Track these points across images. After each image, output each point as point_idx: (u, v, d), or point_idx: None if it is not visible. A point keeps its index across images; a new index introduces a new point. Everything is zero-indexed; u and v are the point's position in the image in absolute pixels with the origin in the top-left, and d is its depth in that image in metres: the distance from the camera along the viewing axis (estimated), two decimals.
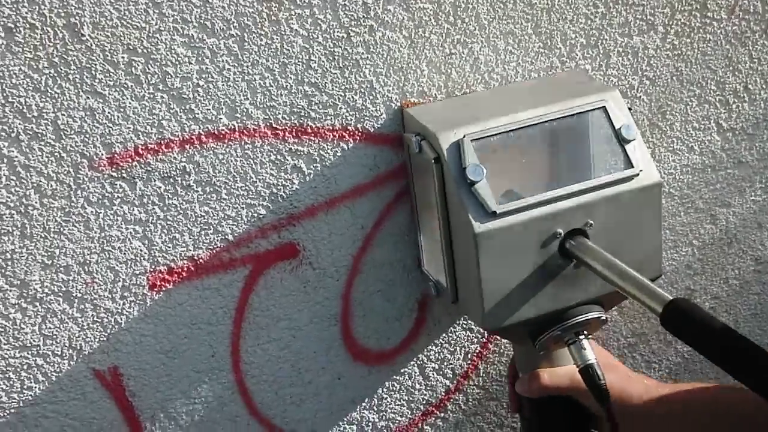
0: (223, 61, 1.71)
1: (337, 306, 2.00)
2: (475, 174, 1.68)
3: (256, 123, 1.78)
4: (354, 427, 2.15)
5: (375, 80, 1.82)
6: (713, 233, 2.26)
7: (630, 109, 1.82)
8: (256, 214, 1.85)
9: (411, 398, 2.17)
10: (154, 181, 1.75)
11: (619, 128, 1.76)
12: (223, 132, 1.77)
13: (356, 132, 1.85)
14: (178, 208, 1.79)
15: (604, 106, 1.77)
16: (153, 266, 1.82)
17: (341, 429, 2.14)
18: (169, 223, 1.79)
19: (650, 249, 1.80)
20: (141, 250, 1.80)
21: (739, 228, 2.29)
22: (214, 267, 1.87)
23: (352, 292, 2.00)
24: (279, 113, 1.78)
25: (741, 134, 2.17)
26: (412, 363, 2.12)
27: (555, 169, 1.80)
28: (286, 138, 1.81)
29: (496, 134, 1.73)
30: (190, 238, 1.82)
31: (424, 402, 2.17)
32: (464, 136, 1.71)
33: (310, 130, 1.82)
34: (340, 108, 1.82)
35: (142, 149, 1.73)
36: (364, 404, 2.13)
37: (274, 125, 1.79)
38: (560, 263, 1.73)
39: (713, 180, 2.20)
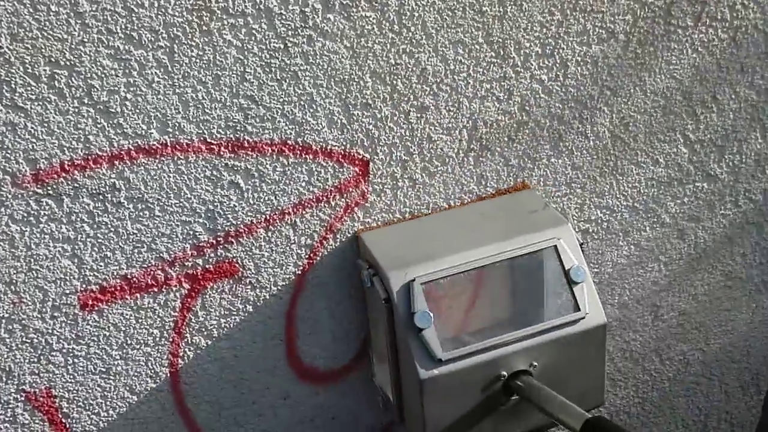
0: (152, 73, 1.63)
1: (281, 325, 1.92)
2: (423, 321, 1.70)
3: (189, 137, 1.70)
4: None
5: (315, 92, 1.73)
6: (681, 249, 2.17)
7: (582, 245, 1.82)
8: (191, 232, 1.77)
9: (359, 420, 2.09)
10: (83, 197, 1.67)
11: (569, 269, 1.77)
12: (154, 147, 1.68)
13: (297, 146, 1.76)
14: (109, 226, 1.71)
15: (556, 245, 1.78)
16: (84, 285, 1.74)
17: None
18: (99, 241, 1.71)
19: (593, 382, 1.86)
20: (70, 269, 1.72)
21: (709, 243, 2.19)
22: (148, 286, 1.79)
23: (297, 311, 1.92)
24: (213, 127, 1.70)
25: (709, 146, 2.08)
26: (361, 382, 2.04)
27: (503, 310, 1.80)
28: (222, 153, 1.73)
29: (446, 276, 1.74)
30: (122, 256, 1.74)
31: (374, 422, 2.09)
32: (414, 280, 1.72)
33: (247, 145, 1.74)
34: (279, 121, 1.73)
35: (68, 165, 1.65)
36: (312, 425, 2.05)
37: (208, 140, 1.71)
38: (503, 400, 1.78)
39: (680, 194, 2.11)
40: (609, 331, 2.22)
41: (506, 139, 1.91)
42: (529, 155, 1.94)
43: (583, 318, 1.77)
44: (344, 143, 1.79)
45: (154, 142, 1.68)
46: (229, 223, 1.79)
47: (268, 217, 1.81)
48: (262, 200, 1.79)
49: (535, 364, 1.76)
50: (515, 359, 1.75)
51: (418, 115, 1.82)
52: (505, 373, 1.75)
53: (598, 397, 1.87)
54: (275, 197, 1.79)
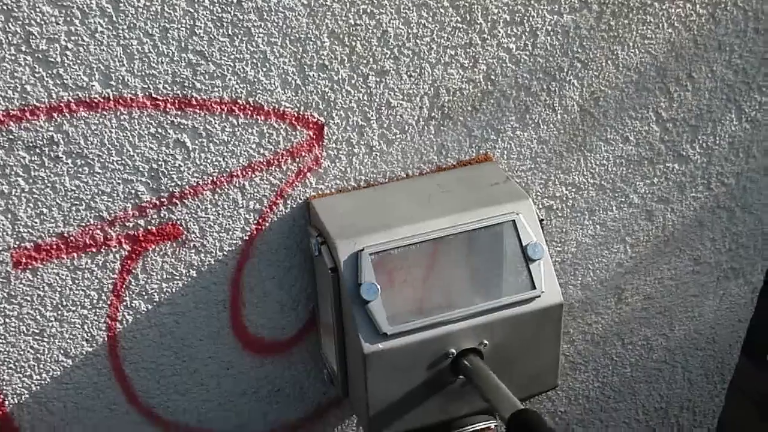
0: (95, 22, 1.54)
1: (225, 292, 1.84)
2: (369, 293, 1.63)
3: (133, 92, 1.61)
4: (245, 422, 2.00)
5: (269, 50, 1.64)
6: (648, 230, 2.10)
7: (542, 221, 1.76)
8: (133, 191, 1.68)
9: (305, 394, 2.02)
10: (18, 150, 1.59)
11: (526, 246, 1.71)
12: (96, 100, 1.59)
13: (248, 106, 1.68)
14: (46, 181, 1.62)
15: (514, 220, 1.71)
16: (17, 242, 1.66)
17: (230, 422, 1.99)
18: (35, 196, 1.63)
19: (547, 363, 1.80)
20: (3, 225, 1.64)
21: (678, 226, 2.12)
22: (86, 246, 1.71)
23: (244, 278, 1.84)
24: (159, 82, 1.61)
25: (682, 125, 2.00)
26: (309, 354, 1.96)
27: (457, 285, 1.72)
28: (168, 110, 1.64)
29: (398, 247, 1.67)
30: (59, 213, 1.65)
31: (321, 397, 2.02)
32: (363, 249, 1.65)
33: (195, 102, 1.65)
34: (229, 79, 1.64)
35: (3, 115, 1.56)
36: (256, 396, 1.98)
37: (154, 95, 1.62)
38: (450, 379, 1.72)
39: (650, 174, 2.03)
40: (570, 312, 2.15)
41: (470, 108, 1.82)
42: (493, 126, 1.86)
43: (539, 297, 1.71)
44: (298, 105, 1.70)
45: (96, 95, 1.59)
46: (173, 184, 1.70)
47: (215, 179, 1.73)
48: (209, 161, 1.70)
49: (486, 342, 1.69)
50: (465, 337, 1.68)
51: (378, 80, 1.73)
52: (453, 350, 1.68)
53: (551, 379, 1.80)
54: (223, 159, 1.71)
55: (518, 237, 1.70)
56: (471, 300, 1.68)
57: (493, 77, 1.80)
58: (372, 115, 1.77)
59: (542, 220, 1.76)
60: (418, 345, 1.66)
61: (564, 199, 1.99)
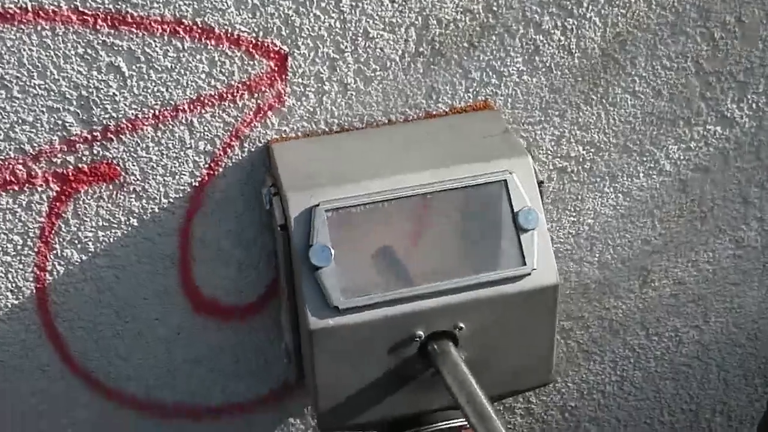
0: None
1: (173, 245, 1.60)
2: (320, 258, 1.36)
3: (56, 4, 1.36)
4: (200, 394, 1.76)
5: None
6: (682, 203, 1.79)
7: (541, 183, 1.47)
8: (60, 121, 1.45)
9: (270, 367, 1.77)
10: None
11: (518, 212, 1.41)
12: (11, 12, 1.36)
13: (194, 27, 1.42)
14: None
15: (506, 180, 1.42)
16: None
17: (182, 393, 1.75)
18: None
19: (537, 355, 1.51)
20: None
21: (718, 201, 1.80)
22: (6, 182, 1.48)
23: (193, 230, 1.60)
24: None
25: (728, 80, 1.68)
26: (274, 323, 1.71)
27: (430, 255, 1.44)
28: (99, 27, 1.39)
29: (361, 204, 1.39)
30: None
31: (288, 372, 1.77)
32: (318, 204, 1.38)
33: (131, 20, 1.40)
34: None
35: None
36: (212, 366, 1.74)
37: (81, 8, 1.38)
38: (419, 367, 1.45)
39: (686, 136, 1.71)
40: (585, 294, 1.85)
41: (466, 45, 1.53)
42: (494, 68, 1.56)
43: (529, 274, 1.42)
44: (256, 30, 1.44)
45: (11, 6, 1.36)
46: (107, 116, 1.46)
47: (157, 113, 1.47)
48: (149, 90, 1.45)
49: (461, 325, 1.42)
50: (437, 318, 1.41)
51: (353, 3, 1.45)
52: (421, 333, 1.41)
53: (544, 374, 1.53)
54: (166, 89, 1.46)
55: (509, 201, 1.42)
56: (446, 273, 1.41)
57: (495, 8, 1.51)
58: (346, 46, 1.49)
59: (542, 182, 1.47)
60: (378, 324, 1.40)
61: (580, 160, 1.69)
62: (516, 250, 1.42)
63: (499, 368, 1.48)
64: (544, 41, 1.56)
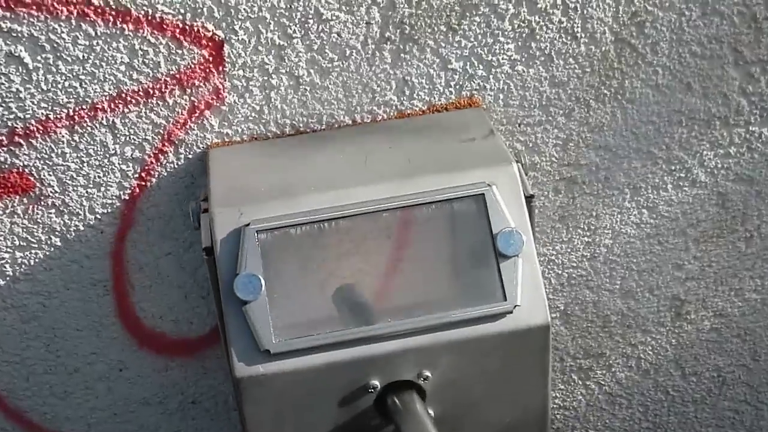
0: None
1: (104, 269, 1.37)
2: (248, 289, 1.12)
3: None
4: None
5: None
6: (722, 221, 1.49)
7: (532, 198, 1.19)
8: None
9: (230, 409, 1.52)
10: None
11: (497, 234, 1.15)
12: None
13: (107, 9, 1.18)
14: None
15: (483, 194, 1.16)
16: None
17: None
18: None
19: (527, 410, 1.24)
20: None
21: (766, 217, 1.49)
22: None
23: (128, 252, 1.36)
24: None
25: None
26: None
27: (389, 286, 1.17)
28: None
29: (301, 223, 1.14)
30: None
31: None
32: (249, 224, 1.13)
33: (29, 0, 1.17)
34: None
35: None
36: (163, 408, 1.50)
37: None
38: (377, 424, 1.19)
39: (724, 140, 1.41)
40: (606, 328, 1.56)
41: (443, 28, 1.26)
42: (481, 57, 1.29)
43: (510, 312, 1.14)
44: (182, 12, 1.20)
45: None
46: (12, 116, 1.24)
47: (71, 113, 1.24)
48: (60, 86, 1.22)
49: (427, 374, 1.15)
50: (396, 364, 1.15)
51: None
52: (376, 383, 1.15)
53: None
54: (80, 84, 1.23)
55: (488, 220, 1.14)
56: (408, 310, 1.15)
57: None
58: (294, 31, 1.23)
59: (531, 196, 1.19)
60: (321, 371, 1.14)
61: (593, 169, 1.41)
62: (495, 282, 1.15)
63: (479, 427, 1.21)
64: (541, 23, 1.29)
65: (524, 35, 1.29)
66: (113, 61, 1.22)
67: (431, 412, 1.18)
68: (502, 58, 1.30)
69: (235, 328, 1.13)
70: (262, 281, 1.12)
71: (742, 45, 1.35)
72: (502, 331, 1.15)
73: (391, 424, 1.17)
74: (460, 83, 1.31)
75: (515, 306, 1.14)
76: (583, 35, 1.31)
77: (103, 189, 1.31)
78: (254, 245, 1.13)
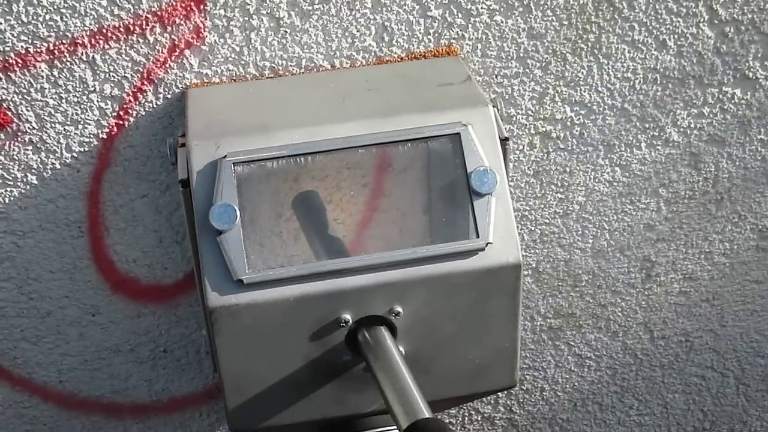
0: None
1: (80, 209, 1.37)
2: (223, 219, 1.12)
3: None
4: (122, 386, 1.52)
5: None
6: (694, 182, 1.51)
7: (506, 140, 1.21)
8: None
9: (202, 360, 1.52)
10: None
11: (472, 173, 1.16)
12: None
13: None
14: None
15: (459, 134, 1.17)
16: None
17: (102, 386, 1.51)
18: None
19: (498, 350, 1.24)
20: None
21: (737, 181, 1.51)
22: None
23: (104, 193, 1.36)
24: None
25: (750, 31, 1.40)
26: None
27: (363, 221, 1.18)
28: None
29: (278, 157, 1.15)
30: None
31: None
32: (225, 156, 1.14)
33: None
34: None
35: None
36: (134, 356, 1.49)
37: None
38: (348, 360, 1.20)
39: (698, 99, 1.43)
40: (577, 287, 1.58)
41: None
42: (460, 5, 1.31)
43: (482, 249, 1.16)
44: None
45: None
46: None
47: (51, 47, 1.24)
48: (40, 19, 1.22)
49: (399, 310, 1.16)
50: (368, 299, 1.16)
51: None
52: (348, 317, 1.16)
53: (505, 375, 1.26)
54: (61, 17, 1.23)
55: (463, 159, 1.15)
56: (380, 245, 1.16)
57: None
58: None
59: (506, 138, 1.20)
60: (293, 303, 1.15)
61: (568, 124, 1.42)
62: (468, 219, 1.16)
63: (448, 366, 1.22)
64: None
65: None
66: None
67: (402, 349, 1.19)
68: (481, 7, 1.32)
69: (210, 260, 1.13)
70: (237, 211, 1.12)
71: (717, 3, 1.38)
72: (474, 268, 1.16)
73: (361, 360, 1.18)
74: (439, 31, 1.32)
75: (487, 243, 1.16)
76: None
77: (80, 127, 1.31)
78: (231, 177, 1.14)
